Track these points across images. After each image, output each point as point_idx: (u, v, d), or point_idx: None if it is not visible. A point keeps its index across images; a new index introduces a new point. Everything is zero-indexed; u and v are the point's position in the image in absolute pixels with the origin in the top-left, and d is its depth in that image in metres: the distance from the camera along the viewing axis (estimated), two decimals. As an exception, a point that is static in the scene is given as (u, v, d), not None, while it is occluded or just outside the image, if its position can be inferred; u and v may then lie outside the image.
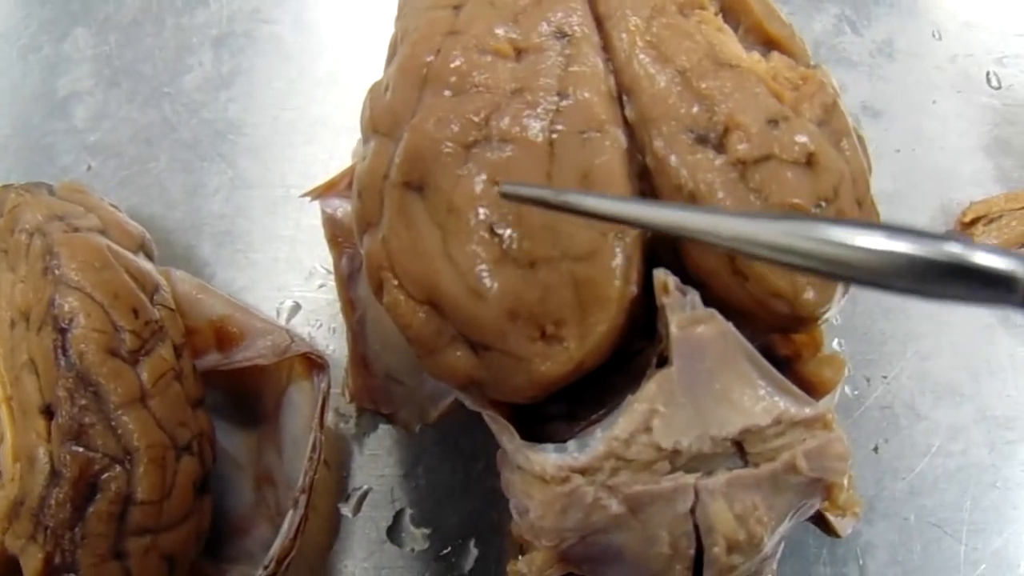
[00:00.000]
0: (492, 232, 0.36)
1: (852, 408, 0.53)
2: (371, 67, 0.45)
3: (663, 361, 0.36)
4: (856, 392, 0.54)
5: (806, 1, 0.66)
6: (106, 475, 0.40)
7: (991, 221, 0.57)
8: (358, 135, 0.44)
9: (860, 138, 0.41)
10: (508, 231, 0.36)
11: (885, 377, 0.54)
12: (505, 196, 0.34)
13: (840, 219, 0.28)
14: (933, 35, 0.65)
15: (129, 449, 0.40)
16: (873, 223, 0.25)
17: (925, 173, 0.60)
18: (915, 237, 0.24)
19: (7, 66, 0.67)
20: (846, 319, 0.55)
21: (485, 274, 0.36)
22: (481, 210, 0.36)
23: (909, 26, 0.65)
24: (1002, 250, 0.24)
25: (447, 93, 0.38)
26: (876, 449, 0.52)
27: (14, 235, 0.46)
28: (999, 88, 0.63)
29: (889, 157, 0.60)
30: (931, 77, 0.64)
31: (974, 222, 0.57)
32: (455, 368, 0.38)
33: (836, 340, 0.55)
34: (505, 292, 0.36)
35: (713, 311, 0.36)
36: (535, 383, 0.37)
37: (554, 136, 0.37)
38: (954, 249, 0.23)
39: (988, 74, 0.64)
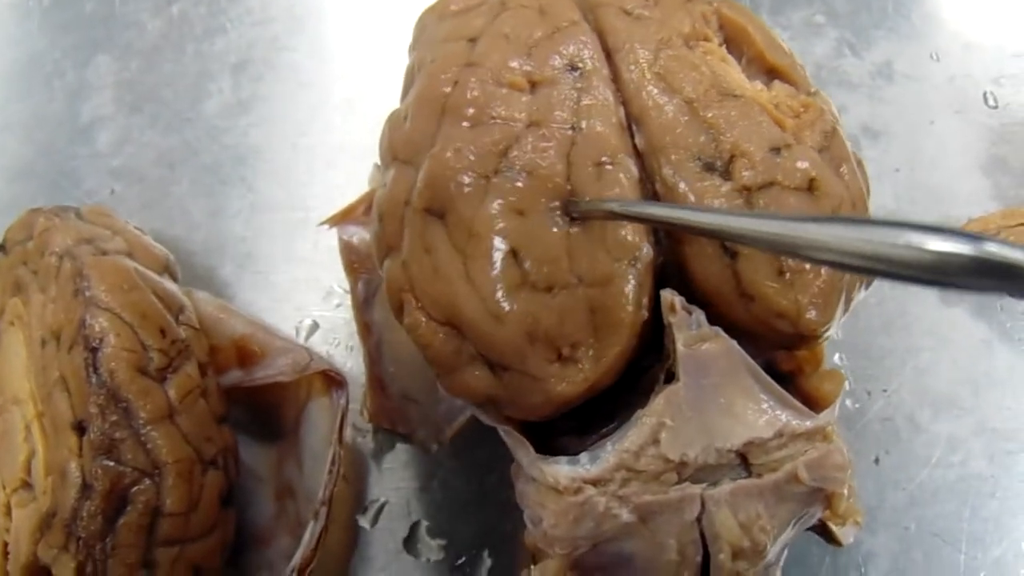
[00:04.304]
0: (512, 258, 0.37)
1: (854, 420, 0.54)
2: (387, 94, 0.46)
3: (671, 377, 0.38)
4: (857, 405, 0.55)
5: (807, 25, 0.67)
6: (136, 488, 0.41)
7: (989, 238, 0.57)
8: (375, 160, 0.45)
9: (859, 162, 0.42)
10: (527, 258, 0.37)
11: (886, 390, 0.55)
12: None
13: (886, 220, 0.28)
14: (931, 57, 0.66)
15: (158, 463, 0.42)
16: (925, 224, 0.26)
17: (924, 191, 0.61)
18: (960, 237, 0.25)
19: (32, 92, 0.68)
20: (847, 334, 0.56)
21: (504, 298, 0.37)
22: (501, 237, 0.37)
23: (908, 49, 0.66)
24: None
25: (465, 124, 0.39)
26: (877, 461, 0.53)
27: (44, 257, 0.47)
28: (996, 108, 0.64)
29: (889, 176, 0.61)
30: (929, 98, 0.64)
31: (972, 239, 0.58)
32: (474, 387, 0.39)
33: (838, 355, 0.56)
34: (524, 315, 0.37)
35: (718, 329, 0.37)
36: (551, 402, 0.38)
37: (571, 167, 0.38)
38: (992, 248, 0.24)
39: (985, 94, 0.64)
